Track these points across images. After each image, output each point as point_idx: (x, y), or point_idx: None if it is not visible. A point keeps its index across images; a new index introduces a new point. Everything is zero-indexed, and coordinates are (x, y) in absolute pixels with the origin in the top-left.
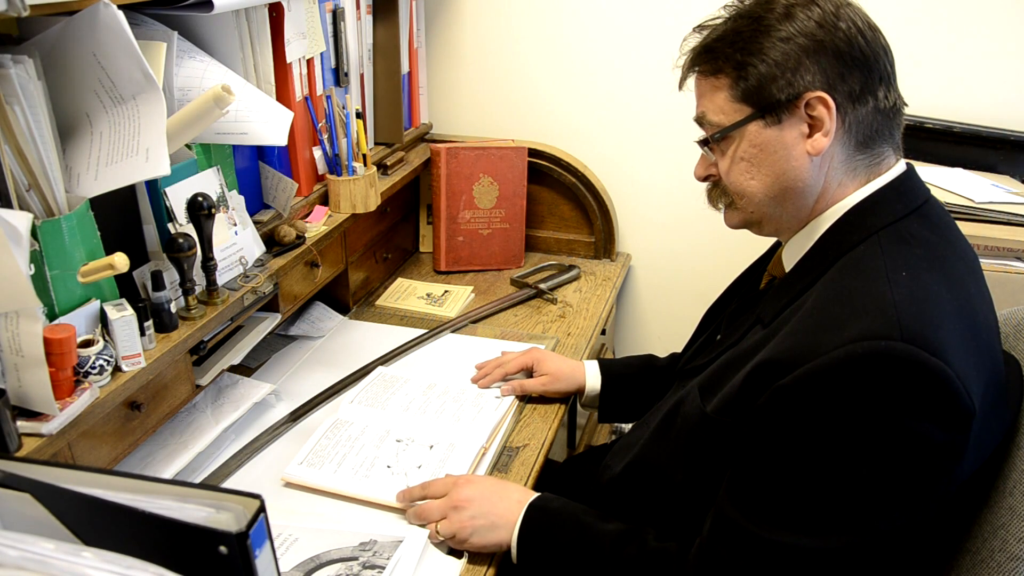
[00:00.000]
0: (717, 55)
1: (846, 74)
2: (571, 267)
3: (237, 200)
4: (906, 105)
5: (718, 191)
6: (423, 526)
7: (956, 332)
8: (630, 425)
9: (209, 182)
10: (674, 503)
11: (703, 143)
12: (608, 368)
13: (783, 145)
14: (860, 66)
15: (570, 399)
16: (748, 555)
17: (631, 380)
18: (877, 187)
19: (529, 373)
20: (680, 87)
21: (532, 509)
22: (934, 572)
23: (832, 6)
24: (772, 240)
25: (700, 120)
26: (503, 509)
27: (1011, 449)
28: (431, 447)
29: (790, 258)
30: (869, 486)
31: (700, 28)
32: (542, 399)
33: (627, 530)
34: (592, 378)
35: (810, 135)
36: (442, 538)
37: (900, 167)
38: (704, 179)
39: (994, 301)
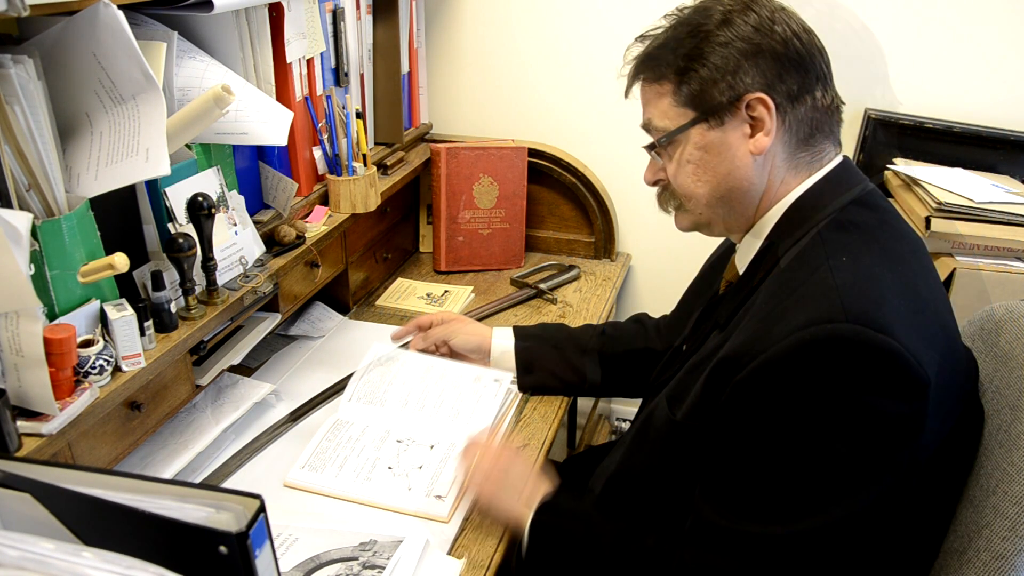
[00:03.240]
0: (659, 62)
1: (784, 75)
2: (571, 267)
3: (237, 200)
4: (843, 104)
5: (667, 195)
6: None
7: (901, 308)
8: (628, 423)
9: (209, 182)
10: (654, 510)
11: (650, 148)
12: (520, 328)
13: (727, 146)
14: (797, 67)
15: (571, 398)
16: (728, 552)
17: (544, 338)
18: (815, 180)
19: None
20: (626, 95)
21: (543, 505)
22: (919, 572)
23: (767, 11)
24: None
25: (647, 126)
26: (530, 491)
27: (992, 447)
28: (432, 447)
29: (742, 261)
30: (833, 467)
31: (642, 38)
32: (543, 398)
33: (628, 529)
34: (500, 335)
35: (752, 135)
36: (472, 471)
37: (837, 159)
38: (654, 184)
39: (994, 301)
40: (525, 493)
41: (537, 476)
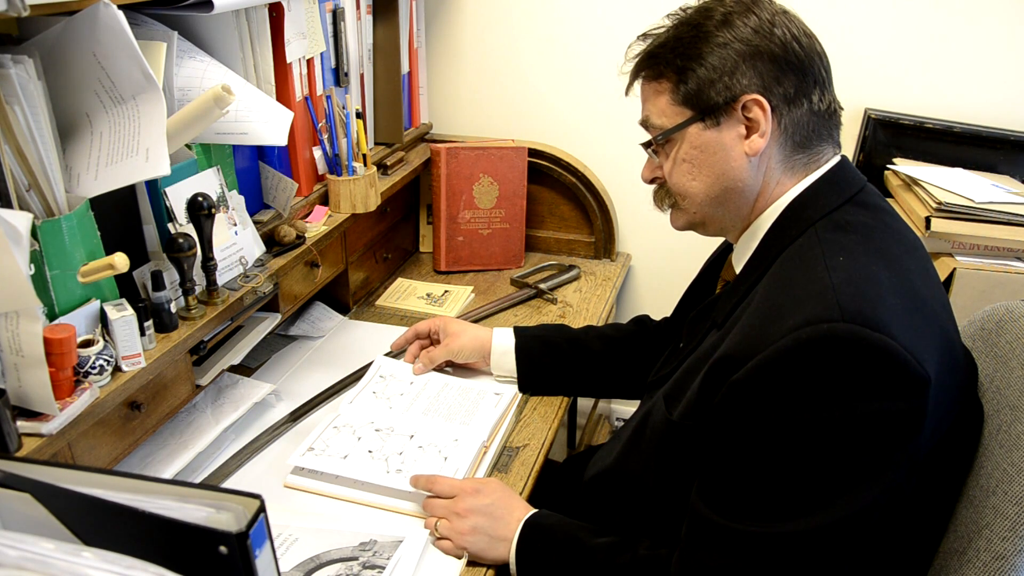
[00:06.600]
0: (659, 60)
1: (781, 78)
2: (571, 267)
3: (237, 200)
4: (842, 109)
5: (663, 192)
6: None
7: (898, 307)
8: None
9: (209, 182)
10: (648, 507)
11: (647, 146)
12: (520, 328)
13: (722, 146)
14: (795, 70)
15: (568, 402)
16: (726, 550)
17: (545, 339)
18: (812, 180)
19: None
20: (627, 93)
21: (528, 526)
22: (919, 572)
23: (768, 14)
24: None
25: (645, 123)
26: (503, 526)
27: (992, 447)
28: (432, 446)
29: (739, 260)
30: (833, 465)
31: (644, 36)
32: (543, 398)
33: (619, 542)
34: (501, 335)
35: (747, 136)
36: (439, 536)
37: (835, 159)
38: (651, 181)
39: (993, 302)
40: (501, 528)
41: (508, 498)
